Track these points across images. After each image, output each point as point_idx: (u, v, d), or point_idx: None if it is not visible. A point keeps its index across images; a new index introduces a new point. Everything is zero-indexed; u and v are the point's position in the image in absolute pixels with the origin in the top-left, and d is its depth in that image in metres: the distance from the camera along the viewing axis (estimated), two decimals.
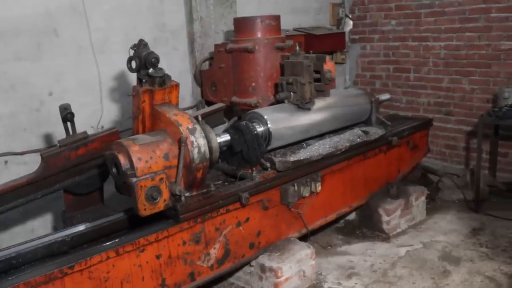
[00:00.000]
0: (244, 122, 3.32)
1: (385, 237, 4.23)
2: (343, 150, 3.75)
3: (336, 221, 4.33)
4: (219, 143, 3.12)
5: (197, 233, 3.01)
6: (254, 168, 3.33)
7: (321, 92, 3.58)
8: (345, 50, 6.28)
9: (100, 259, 2.59)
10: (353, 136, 3.91)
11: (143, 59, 2.91)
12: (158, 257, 2.84)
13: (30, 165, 3.60)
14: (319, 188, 3.65)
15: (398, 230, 4.33)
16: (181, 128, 2.85)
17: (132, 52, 2.97)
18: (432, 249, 3.98)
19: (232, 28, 4.25)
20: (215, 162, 3.12)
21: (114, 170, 2.77)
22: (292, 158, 3.43)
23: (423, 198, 4.57)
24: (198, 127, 2.93)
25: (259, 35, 3.86)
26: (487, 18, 5.09)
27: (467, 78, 5.37)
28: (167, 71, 3.07)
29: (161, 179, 2.71)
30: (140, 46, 2.96)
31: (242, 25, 3.95)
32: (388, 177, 4.50)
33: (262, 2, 5.30)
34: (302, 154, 3.50)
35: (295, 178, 3.49)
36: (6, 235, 3.76)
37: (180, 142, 2.80)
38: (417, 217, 4.51)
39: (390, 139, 4.22)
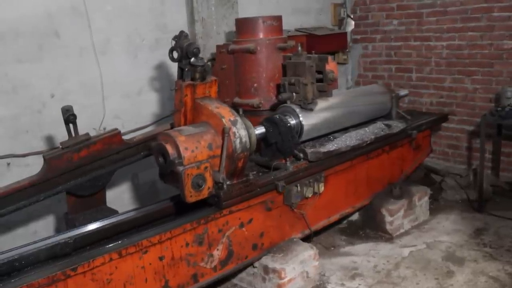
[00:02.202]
0: (277, 116, 3.45)
1: (389, 238, 4.22)
2: (368, 142, 3.90)
3: (339, 221, 4.32)
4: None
5: (200, 234, 3.00)
6: (287, 159, 3.45)
7: (324, 93, 3.57)
8: (347, 50, 6.26)
9: (103, 261, 2.59)
10: (376, 129, 4.09)
11: (185, 50, 3.04)
12: (161, 258, 2.83)
13: (32, 167, 3.60)
14: (322, 188, 3.64)
15: (402, 230, 4.32)
16: (223, 120, 2.99)
17: (173, 43, 3.11)
18: (435, 249, 3.97)
19: (234, 29, 4.24)
20: (252, 153, 3.25)
21: (161, 159, 2.91)
22: (322, 149, 3.58)
23: (426, 198, 4.56)
24: (239, 119, 3.07)
25: (261, 35, 3.84)
26: (489, 18, 5.07)
27: (469, 78, 5.35)
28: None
29: (206, 167, 2.86)
30: (181, 37, 3.08)
31: (243, 26, 3.93)
32: (391, 178, 4.48)
33: (263, 3, 5.29)
34: (331, 146, 3.67)
35: (326, 168, 3.66)
36: (8, 237, 3.76)
37: (224, 132, 2.94)
38: (420, 217, 4.50)
39: (410, 132, 4.36)
